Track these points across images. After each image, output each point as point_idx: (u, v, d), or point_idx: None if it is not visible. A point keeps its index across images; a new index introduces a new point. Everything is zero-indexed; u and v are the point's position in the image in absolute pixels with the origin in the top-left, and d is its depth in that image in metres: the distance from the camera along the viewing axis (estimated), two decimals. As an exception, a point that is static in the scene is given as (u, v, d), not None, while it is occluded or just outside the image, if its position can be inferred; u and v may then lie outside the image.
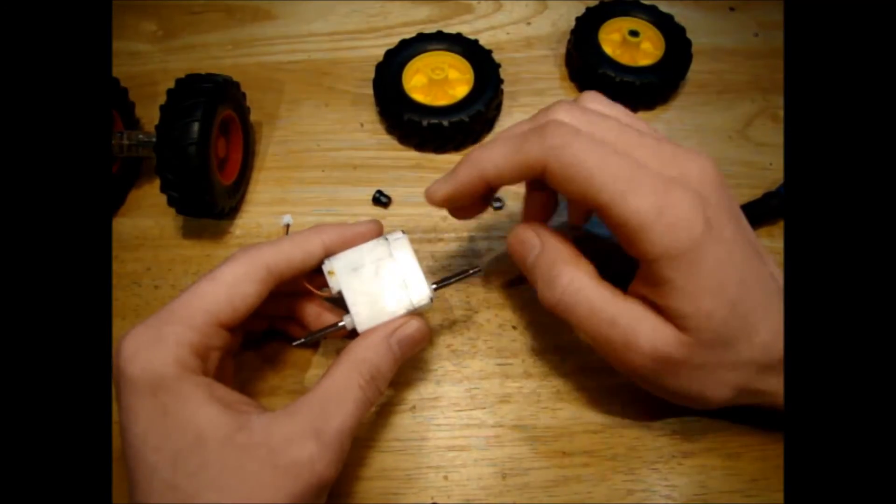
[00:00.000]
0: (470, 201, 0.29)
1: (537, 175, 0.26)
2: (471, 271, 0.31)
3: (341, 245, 0.30)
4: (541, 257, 0.28)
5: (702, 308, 0.25)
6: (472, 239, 0.38)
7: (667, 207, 0.24)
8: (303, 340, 0.30)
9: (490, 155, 0.27)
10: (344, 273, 0.29)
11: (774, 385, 0.27)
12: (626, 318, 0.26)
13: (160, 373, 0.24)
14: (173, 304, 0.26)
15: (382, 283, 0.29)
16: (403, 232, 0.30)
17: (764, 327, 0.26)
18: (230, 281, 0.27)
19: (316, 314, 0.32)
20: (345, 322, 0.29)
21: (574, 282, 0.27)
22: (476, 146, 0.27)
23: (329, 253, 0.30)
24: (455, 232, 0.39)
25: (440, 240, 0.38)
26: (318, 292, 0.30)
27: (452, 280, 0.31)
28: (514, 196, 0.39)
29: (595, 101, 0.29)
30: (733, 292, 0.25)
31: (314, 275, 0.30)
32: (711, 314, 0.25)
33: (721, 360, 0.26)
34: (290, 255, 0.28)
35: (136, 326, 0.26)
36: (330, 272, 0.29)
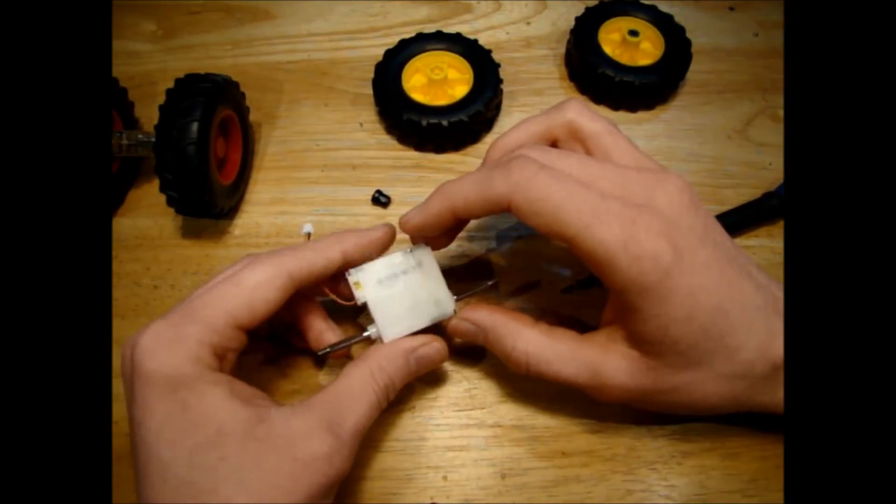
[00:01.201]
0: (440, 231, 0.30)
1: (504, 209, 0.27)
2: (489, 284, 0.32)
3: (359, 252, 0.30)
4: (489, 340, 0.30)
5: (670, 335, 0.25)
6: (471, 239, 0.38)
7: (633, 239, 0.24)
8: (328, 350, 0.30)
9: (460, 189, 0.28)
10: (369, 284, 0.30)
11: (765, 395, 0.27)
12: (590, 366, 0.27)
13: (179, 370, 0.24)
14: (194, 304, 0.26)
15: (407, 294, 0.30)
16: (426, 244, 0.31)
17: (746, 346, 0.26)
18: (252, 285, 0.27)
19: (319, 329, 0.31)
20: (370, 333, 0.30)
21: (531, 354, 0.28)
22: (448, 181, 0.29)
23: (348, 260, 0.30)
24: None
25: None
26: (343, 302, 0.31)
27: (472, 293, 0.32)
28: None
29: (574, 112, 0.29)
30: (706, 319, 0.25)
31: (335, 284, 0.31)
32: (679, 341, 0.25)
33: (697, 378, 0.26)
34: (311, 263, 0.29)
35: (155, 323, 0.26)
36: (356, 284, 0.30)
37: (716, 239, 0.27)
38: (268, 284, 0.27)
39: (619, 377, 0.27)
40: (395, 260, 0.30)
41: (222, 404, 0.24)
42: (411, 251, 0.31)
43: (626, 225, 0.24)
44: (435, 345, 0.30)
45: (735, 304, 0.26)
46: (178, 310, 0.26)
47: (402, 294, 0.30)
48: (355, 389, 0.27)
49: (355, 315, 0.35)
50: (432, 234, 0.30)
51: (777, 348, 0.26)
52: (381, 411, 0.28)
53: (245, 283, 0.27)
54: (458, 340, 0.33)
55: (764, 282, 0.28)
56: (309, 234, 0.32)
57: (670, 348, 0.25)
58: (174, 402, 0.24)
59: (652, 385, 0.26)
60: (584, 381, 0.27)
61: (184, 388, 0.24)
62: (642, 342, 0.26)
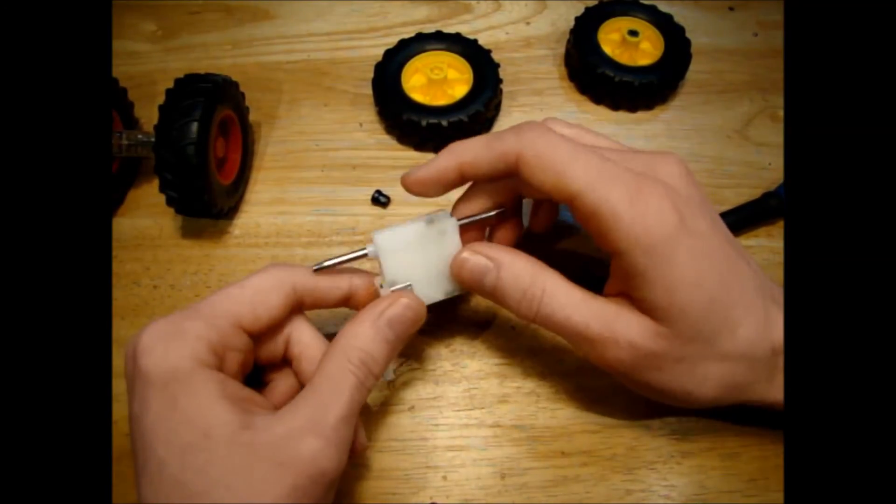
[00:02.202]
0: (443, 191, 0.30)
1: (511, 167, 0.27)
2: (495, 212, 0.31)
3: (366, 290, 0.30)
4: (502, 277, 0.28)
5: (678, 300, 0.25)
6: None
7: (638, 197, 0.25)
8: (324, 265, 0.29)
9: (469, 145, 0.29)
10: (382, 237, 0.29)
11: (761, 382, 0.27)
12: (601, 318, 0.27)
13: (174, 365, 0.24)
14: (198, 304, 0.27)
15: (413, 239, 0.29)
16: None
17: (746, 323, 0.26)
18: (257, 287, 0.28)
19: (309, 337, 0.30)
20: (367, 251, 0.29)
21: (547, 292, 0.27)
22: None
23: (354, 294, 0.30)
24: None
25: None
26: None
27: (478, 218, 0.30)
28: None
29: (557, 125, 0.30)
30: (711, 287, 0.25)
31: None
32: (688, 307, 0.25)
33: (702, 353, 0.26)
34: (317, 282, 0.29)
35: (158, 320, 0.26)
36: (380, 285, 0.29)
37: (713, 215, 0.28)
38: (271, 290, 0.28)
39: (631, 334, 0.26)
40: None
41: (210, 406, 0.24)
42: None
43: (631, 184, 0.25)
44: (402, 301, 0.28)
45: (735, 279, 0.26)
46: (183, 309, 0.27)
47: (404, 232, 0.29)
48: (333, 378, 0.26)
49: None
50: (434, 194, 0.30)
51: (776, 333, 0.26)
52: (371, 388, 0.27)
53: (249, 286, 0.28)
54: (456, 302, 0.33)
55: (756, 267, 0.28)
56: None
57: (680, 315, 0.25)
58: (166, 398, 0.24)
59: (660, 350, 0.26)
60: (594, 332, 0.26)
61: (176, 384, 0.24)
62: (652, 308, 0.26)
